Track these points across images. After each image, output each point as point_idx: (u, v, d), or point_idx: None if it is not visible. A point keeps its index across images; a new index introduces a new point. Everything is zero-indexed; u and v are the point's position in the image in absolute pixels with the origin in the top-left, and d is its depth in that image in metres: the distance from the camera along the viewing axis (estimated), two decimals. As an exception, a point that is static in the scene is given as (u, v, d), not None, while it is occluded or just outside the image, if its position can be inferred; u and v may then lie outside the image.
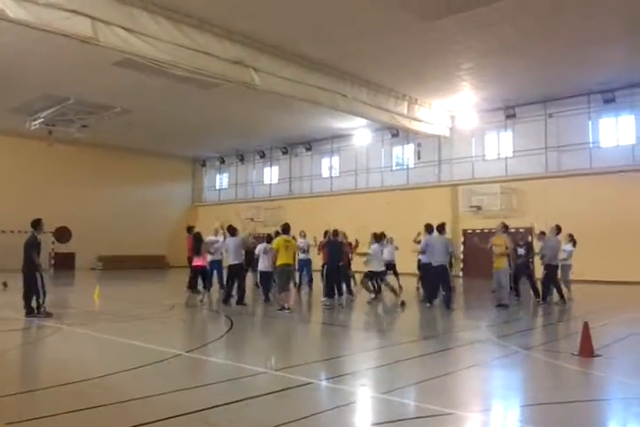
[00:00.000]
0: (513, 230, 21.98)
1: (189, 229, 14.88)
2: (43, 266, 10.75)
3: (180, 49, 13.22)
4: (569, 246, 14.22)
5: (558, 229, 13.47)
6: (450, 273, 12.74)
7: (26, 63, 16.75)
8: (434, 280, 12.61)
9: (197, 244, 12.63)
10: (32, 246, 10.53)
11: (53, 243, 28.57)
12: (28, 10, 10.69)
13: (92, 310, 12.43)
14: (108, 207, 30.55)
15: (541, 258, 14.59)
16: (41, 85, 19.31)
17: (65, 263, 28.76)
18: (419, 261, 14.88)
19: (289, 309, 11.37)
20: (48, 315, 10.38)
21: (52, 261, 28.63)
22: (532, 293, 13.85)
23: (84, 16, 11.45)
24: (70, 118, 22.94)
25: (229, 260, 12.66)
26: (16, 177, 27.41)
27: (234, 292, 12.67)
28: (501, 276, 12.37)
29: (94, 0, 11.57)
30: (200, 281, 12.87)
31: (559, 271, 13.61)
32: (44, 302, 10.49)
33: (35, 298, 10.44)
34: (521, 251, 14.25)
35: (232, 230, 12.88)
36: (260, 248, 13.00)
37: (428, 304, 12.31)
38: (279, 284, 11.87)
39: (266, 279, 13.15)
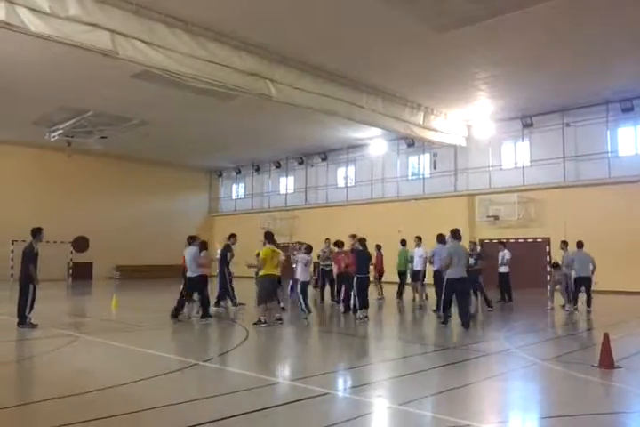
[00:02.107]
0: (531, 240, 22.00)
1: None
2: (50, 276, 10.60)
3: (197, 61, 13.37)
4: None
5: (580, 244, 13.96)
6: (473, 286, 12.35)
7: (45, 76, 17.05)
8: (448, 295, 11.04)
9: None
10: (29, 257, 10.37)
11: (72, 253, 28.86)
12: (49, 24, 10.89)
13: (109, 319, 12.50)
14: (126, 217, 30.86)
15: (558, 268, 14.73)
16: (60, 98, 19.63)
17: (83, 273, 29.02)
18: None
19: (266, 322, 10.72)
20: (33, 326, 10.20)
21: (70, 271, 28.91)
22: (485, 301, 14.11)
23: (103, 29, 11.64)
24: (89, 130, 23.27)
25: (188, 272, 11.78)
26: (35, 187, 27.82)
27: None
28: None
29: (114, 14, 11.75)
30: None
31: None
32: (29, 313, 10.31)
33: (18, 306, 10.33)
34: (471, 261, 14.06)
35: (191, 239, 11.94)
36: (300, 259, 12.42)
37: (442, 324, 11.02)
38: (260, 295, 11.11)
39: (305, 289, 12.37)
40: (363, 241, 12.45)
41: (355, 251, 12.54)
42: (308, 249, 12.48)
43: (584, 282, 13.79)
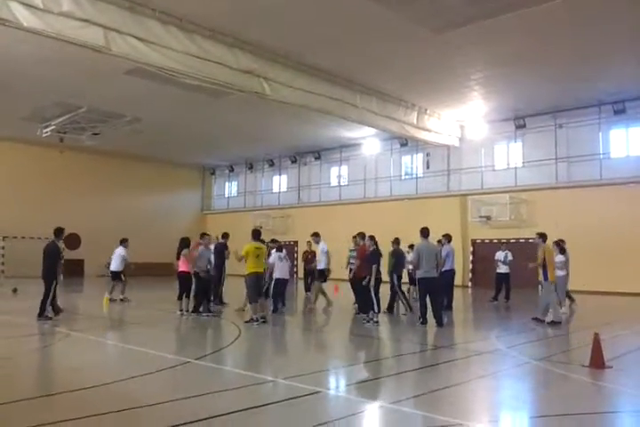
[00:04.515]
0: (522, 241, 22.09)
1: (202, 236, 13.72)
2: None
3: (191, 58, 13.32)
4: (560, 257, 13.79)
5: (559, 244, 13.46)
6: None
7: (38, 71, 16.92)
8: (423, 295, 11.03)
9: (180, 248, 12.35)
10: (57, 255, 11.21)
11: (63, 250, 28.66)
12: (41, 19, 10.82)
13: (100, 316, 12.46)
14: (118, 214, 30.68)
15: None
16: (53, 93, 19.50)
17: (74, 270, 28.84)
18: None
19: (258, 320, 10.56)
20: (48, 319, 10.87)
21: (62, 268, 28.73)
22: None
23: (96, 25, 11.57)
24: (82, 126, 23.13)
25: None
26: (26, 184, 27.60)
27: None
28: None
29: (107, 10, 11.68)
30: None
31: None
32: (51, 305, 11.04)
33: (43, 300, 10.93)
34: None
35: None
36: (275, 256, 12.45)
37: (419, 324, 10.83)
38: (249, 293, 10.94)
39: (280, 287, 12.57)
40: (374, 239, 11.75)
41: (370, 251, 11.71)
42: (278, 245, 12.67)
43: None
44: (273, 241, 13.52)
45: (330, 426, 4.62)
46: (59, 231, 11.44)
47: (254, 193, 34.00)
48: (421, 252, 10.91)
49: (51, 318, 10.89)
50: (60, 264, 11.30)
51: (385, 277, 12.25)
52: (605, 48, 15.07)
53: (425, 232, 11.22)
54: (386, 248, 13.32)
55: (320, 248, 14.71)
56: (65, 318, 11.33)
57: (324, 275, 14.45)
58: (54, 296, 11.12)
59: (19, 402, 5.22)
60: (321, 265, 14.45)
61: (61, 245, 11.69)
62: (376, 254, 11.54)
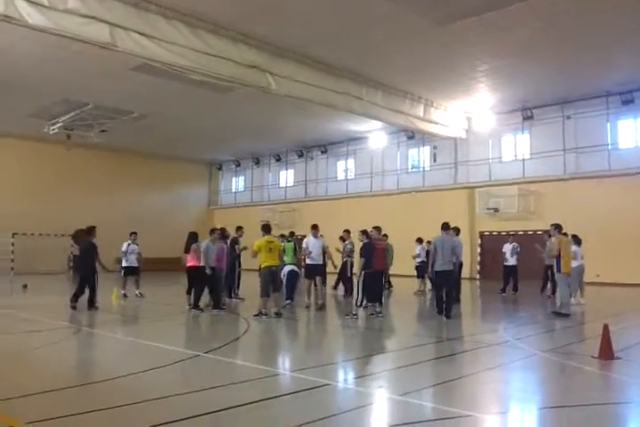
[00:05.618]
0: (531, 233, 22.01)
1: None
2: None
3: (196, 54, 13.32)
4: (573, 247, 13.49)
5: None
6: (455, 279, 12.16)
7: (45, 69, 16.98)
8: (439, 288, 11.34)
9: (188, 242, 12.32)
10: (93, 251, 12.09)
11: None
12: (46, 16, 10.84)
13: (110, 311, 12.54)
14: (126, 210, 30.80)
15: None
16: (60, 90, 19.56)
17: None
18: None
19: (267, 314, 10.60)
20: (97, 308, 11.89)
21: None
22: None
23: (102, 22, 11.59)
24: (89, 123, 23.21)
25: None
26: (34, 181, 27.74)
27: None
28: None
29: (112, 6, 11.69)
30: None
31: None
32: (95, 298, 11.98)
33: (90, 295, 11.89)
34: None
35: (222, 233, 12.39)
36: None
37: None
38: (262, 287, 10.86)
39: (291, 279, 12.80)
40: (366, 233, 11.78)
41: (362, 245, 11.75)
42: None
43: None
44: (291, 234, 14.96)
45: (339, 418, 4.64)
46: (91, 229, 12.30)
47: (261, 188, 34.06)
48: (438, 245, 11.03)
49: (97, 308, 11.83)
50: (98, 260, 12.21)
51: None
52: (613, 38, 14.93)
53: (445, 227, 11.42)
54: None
55: (320, 244, 13.17)
56: (76, 313, 11.42)
57: (320, 272, 13.73)
58: (82, 292, 11.84)
59: (31, 396, 5.27)
60: (320, 261, 13.30)
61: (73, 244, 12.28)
62: (368, 248, 11.53)
